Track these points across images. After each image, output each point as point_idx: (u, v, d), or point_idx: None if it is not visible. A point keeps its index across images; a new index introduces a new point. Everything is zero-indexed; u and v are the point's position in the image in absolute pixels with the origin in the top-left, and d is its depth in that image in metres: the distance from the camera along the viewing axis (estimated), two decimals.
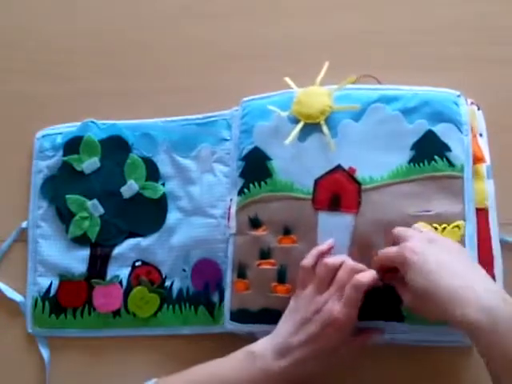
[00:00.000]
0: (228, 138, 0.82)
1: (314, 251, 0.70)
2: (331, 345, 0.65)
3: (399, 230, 0.67)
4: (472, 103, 0.77)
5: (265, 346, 0.67)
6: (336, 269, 0.67)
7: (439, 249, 0.62)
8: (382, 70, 0.81)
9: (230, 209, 0.77)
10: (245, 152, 0.77)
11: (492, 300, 0.56)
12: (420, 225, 0.69)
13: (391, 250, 0.65)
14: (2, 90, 0.90)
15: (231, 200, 0.77)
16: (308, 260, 0.69)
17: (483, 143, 0.76)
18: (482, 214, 0.72)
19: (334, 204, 0.71)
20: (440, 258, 0.61)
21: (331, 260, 0.68)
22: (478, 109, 0.77)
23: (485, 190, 0.73)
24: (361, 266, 0.67)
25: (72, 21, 0.91)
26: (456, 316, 0.56)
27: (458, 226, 0.69)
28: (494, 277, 0.70)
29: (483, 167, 0.74)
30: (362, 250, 0.70)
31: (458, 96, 0.74)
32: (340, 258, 0.68)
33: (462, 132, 0.72)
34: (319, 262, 0.68)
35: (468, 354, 0.75)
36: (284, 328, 0.67)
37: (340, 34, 0.86)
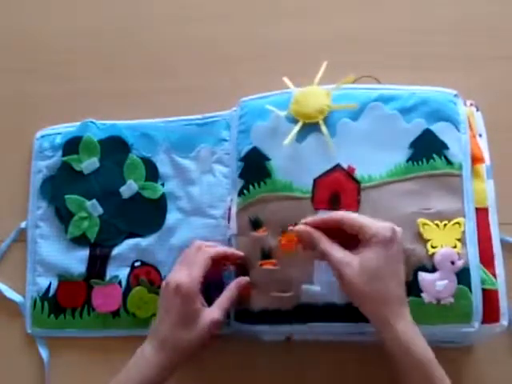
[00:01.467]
0: (227, 138, 0.82)
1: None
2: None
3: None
4: (471, 104, 0.77)
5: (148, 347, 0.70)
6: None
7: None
8: (382, 70, 0.81)
9: (229, 209, 0.77)
10: (243, 152, 0.77)
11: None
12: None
13: (375, 225, 0.65)
14: (2, 89, 0.90)
15: (231, 200, 0.77)
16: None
17: (483, 144, 0.76)
18: (482, 213, 0.72)
19: (334, 203, 0.71)
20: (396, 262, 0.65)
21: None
22: (477, 110, 0.78)
23: (485, 189, 0.73)
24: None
25: (72, 21, 0.91)
26: (386, 315, 0.63)
27: (458, 223, 0.70)
28: (495, 276, 0.70)
29: (483, 167, 0.74)
30: None
31: (455, 95, 0.75)
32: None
33: (459, 130, 0.73)
34: None
35: (468, 353, 0.76)
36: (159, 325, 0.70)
37: (340, 34, 0.87)
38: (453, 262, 0.68)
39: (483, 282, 0.69)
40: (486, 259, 0.70)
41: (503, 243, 0.74)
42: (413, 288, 0.68)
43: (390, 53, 0.85)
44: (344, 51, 0.85)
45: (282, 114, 0.74)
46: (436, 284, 0.68)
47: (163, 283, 0.70)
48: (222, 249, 0.74)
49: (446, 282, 0.68)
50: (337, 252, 0.65)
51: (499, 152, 0.77)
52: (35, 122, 0.87)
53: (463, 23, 0.85)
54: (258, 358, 0.77)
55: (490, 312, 0.69)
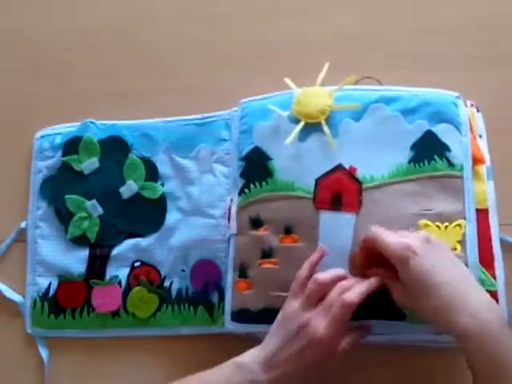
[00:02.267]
0: (227, 138, 0.81)
1: (307, 264, 0.69)
2: (316, 361, 0.65)
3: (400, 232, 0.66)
4: (472, 105, 0.77)
5: (253, 358, 0.66)
6: (327, 285, 0.66)
7: (437, 251, 0.63)
8: (382, 71, 0.81)
9: (229, 209, 0.77)
10: (245, 152, 0.77)
11: (482, 310, 0.59)
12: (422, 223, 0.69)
13: (391, 245, 0.63)
14: (2, 90, 0.90)
15: (231, 200, 0.77)
16: (303, 271, 0.69)
17: (483, 145, 0.76)
18: (482, 214, 0.72)
19: (335, 203, 0.71)
20: (438, 261, 0.62)
21: (322, 276, 0.67)
22: (478, 111, 0.78)
23: (485, 190, 0.73)
24: (352, 283, 0.66)
25: (72, 21, 0.91)
26: (447, 322, 0.59)
27: (459, 225, 0.70)
28: (494, 277, 0.70)
29: (483, 168, 0.74)
30: None
31: (457, 97, 0.75)
32: (332, 275, 0.67)
33: (460, 132, 0.73)
34: (312, 277, 0.67)
35: None
36: (272, 342, 0.66)
37: (340, 34, 0.87)
38: None
39: (483, 283, 0.69)
40: (486, 260, 0.70)
41: (503, 243, 0.74)
42: None
43: (389, 53, 0.85)
44: (344, 51, 0.85)
45: (284, 114, 0.74)
46: None
47: (294, 319, 0.65)
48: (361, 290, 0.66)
49: None
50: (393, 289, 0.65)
51: (499, 153, 0.77)
52: (35, 122, 0.87)
53: (463, 23, 0.85)
54: None
55: None
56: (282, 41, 0.87)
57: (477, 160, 0.73)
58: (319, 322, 0.64)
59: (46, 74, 0.90)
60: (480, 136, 0.77)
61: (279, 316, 0.68)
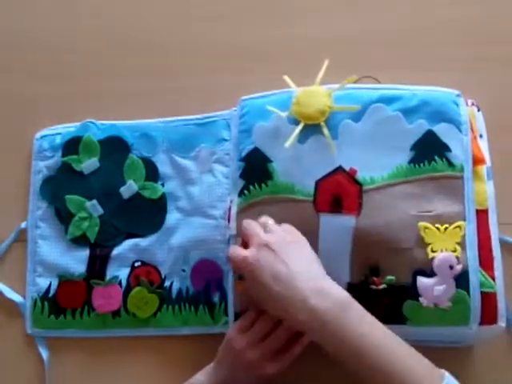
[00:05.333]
0: (227, 138, 0.82)
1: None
2: None
3: (245, 226, 0.70)
4: (472, 104, 0.77)
5: (205, 381, 0.71)
6: (275, 324, 0.69)
7: (273, 254, 0.66)
8: (382, 70, 0.81)
9: (230, 209, 0.77)
10: (245, 153, 0.77)
11: (319, 302, 0.62)
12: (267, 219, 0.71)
13: (236, 257, 0.67)
14: (2, 90, 0.90)
15: (231, 201, 0.77)
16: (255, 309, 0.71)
17: (483, 144, 0.76)
18: (482, 215, 0.72)
19: (336, 205, 0.71)
20: (273, 266, 0.65)
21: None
22: (478, 110, 0.78)
23: (485, 191, 0.73)
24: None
25: (72, 21, 0.91)
26: (287, 318, 0.65)
27: (459, 227, 0.69)
28: (494, 279, 0.70)
29: (483, 169, 0.74)
30: (363, 250, 0.70)
31: (458, 95, 0.74)
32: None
33: (461, 132, 0.73)
34: (264, 315, 0.70)
35: (468, 354, 0.76)
36: (223, 369, 0.71)
37: (340, 33, 0.87)
38: (451, 267, 0.68)
39: (482, 285, 0.69)
40: (485, 262, 0.70)
41: (502, 243, 0.74)
42: (411, 291, 0.69)
43: (389, 53, 0.85)
44: (344, 51, 0.85)
45: (284, 114, 0.74)
46: (434, 289, 0.68)
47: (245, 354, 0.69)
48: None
49: (444, 286, 0.67)
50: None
51: (499, 152, 0.77)
52: (35, 122, 0.87)
53: (463, 23, 0.85)
54: None
55: (489, 314, 0.69)
56: (282, 41, 0.87)
57: (477, 160, 0.73)
58: (271, 364, 0.69)
59: (46, 74, 0.90)
60: (480, 136, 0.76)
61: (225, 345, 0.71)
